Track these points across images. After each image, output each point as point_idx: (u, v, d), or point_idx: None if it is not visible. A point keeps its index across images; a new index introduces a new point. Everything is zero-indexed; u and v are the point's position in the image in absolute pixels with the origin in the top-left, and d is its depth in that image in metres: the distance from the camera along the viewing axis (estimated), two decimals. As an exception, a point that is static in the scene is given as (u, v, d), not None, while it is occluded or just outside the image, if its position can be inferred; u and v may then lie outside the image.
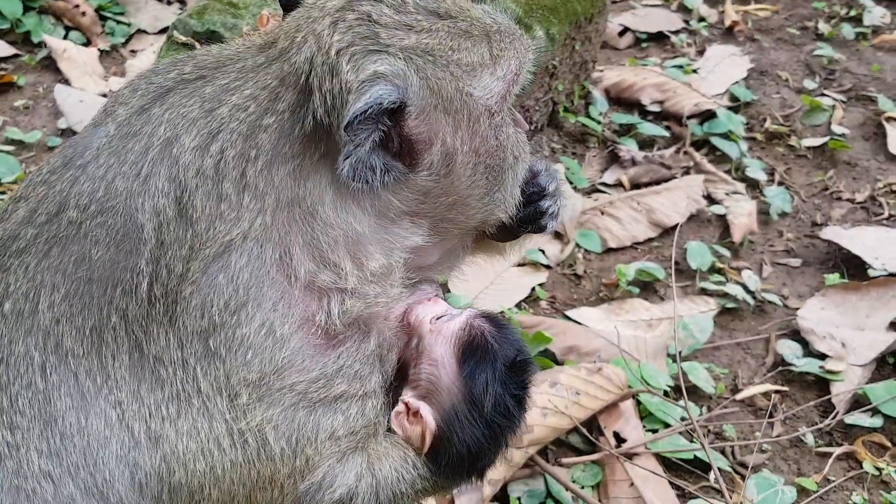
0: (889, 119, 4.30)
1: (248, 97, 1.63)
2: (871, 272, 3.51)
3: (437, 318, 1.83)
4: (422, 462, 1.78)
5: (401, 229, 1.71)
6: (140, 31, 5.09)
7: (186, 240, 1.57)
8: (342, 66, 1.54)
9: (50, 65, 4.74)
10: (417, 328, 1.82)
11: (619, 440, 2.99)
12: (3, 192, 3.89)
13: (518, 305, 3.52)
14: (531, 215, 2.00)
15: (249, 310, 1.58)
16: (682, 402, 2.98)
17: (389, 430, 1.80)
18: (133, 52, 4.97)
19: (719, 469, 2.87)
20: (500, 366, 1.79)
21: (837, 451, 2.93)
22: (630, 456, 2.90)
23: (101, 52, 4.90)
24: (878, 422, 2.99)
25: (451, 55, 1.64)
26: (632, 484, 2.88)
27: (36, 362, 1.60)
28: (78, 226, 1.61)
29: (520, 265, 3.70)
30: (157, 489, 1.60)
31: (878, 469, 2.87)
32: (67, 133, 4.31)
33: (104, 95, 4.52)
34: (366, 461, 1.73)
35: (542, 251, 3.72)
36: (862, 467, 2.88)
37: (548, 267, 3.69)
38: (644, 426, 3.04)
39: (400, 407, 1.79)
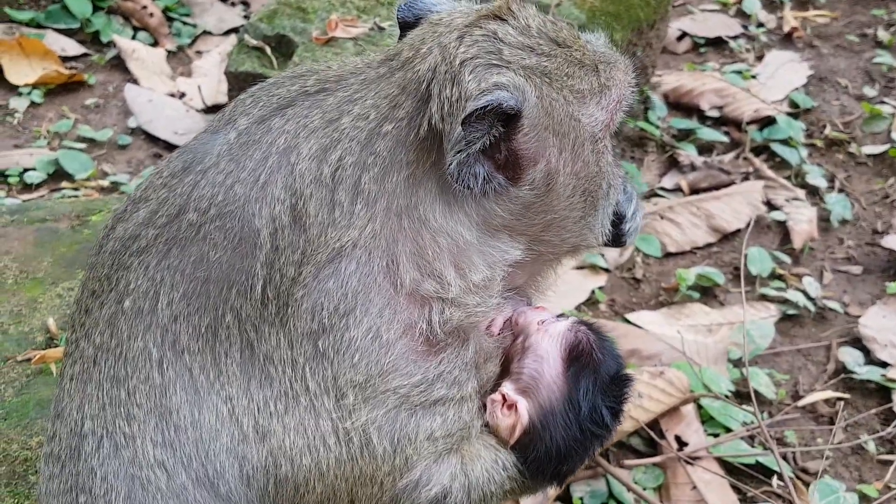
0: (951, 128, 4.29)
1: (370, 106, 1.71)
2: (933, 281, 3.52)
3: (544, 321, 1.90)
4: (511, 464, 1.85)
5: (501, 243, 1.77)
6: (206, 33, 5.21)
7: (299, 245, 1.65)
8: (464, 76, 1.61)
9: (119, 64, 4.87)
10: (525, 327, 1.89)
11: (681, 444, 3.03)
12: (76, 189, 4.02)
13: (577, 308, 3.57)
14: (613, 236, 2.07)
15: (357, 315, 1.65)
16: (745, 407, 3.02)
17: (483, 431, 1.87)
18: (199, 52, 5.08)
19: (781, 475, 2.91)
20: (602, 375, 1.86)
21: (900, 459, 2.96)
22: (692, 459, 2.95)
23: (168, 52, 5.02)
24: (941, 431, 3.01)
25: (566, 80, 1.73)
26: (694, 487, 2.92)
27: (154, 357, 1.69)
28: (197, 228, 1.70)
29: (579, 268, 3.75)
30: (263, 482, 1.68)
31: (941, 478, 2.89)
32: (137, 132, 4.44)
33: (172, 95, 4.64)
34: (460, 462, 1.80)
35: (602, 255, 3.77)
36: (924, 476, 2.91)
37: (607, 270, 3.74)
38: (705, 430, 3.08)
39: (497, 396, 1.85)
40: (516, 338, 1.90)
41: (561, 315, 1.96)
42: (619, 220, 2.08)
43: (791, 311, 3.50)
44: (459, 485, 1.79)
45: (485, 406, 1.86)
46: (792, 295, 3.53)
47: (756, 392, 3.18)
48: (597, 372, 1.86)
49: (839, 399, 3.17)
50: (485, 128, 1.60)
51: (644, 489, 2.89)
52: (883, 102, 4.56)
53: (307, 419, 1.67)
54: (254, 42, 3.87)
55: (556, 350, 1.86)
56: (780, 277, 3.68)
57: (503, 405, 1.84)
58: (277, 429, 1.66)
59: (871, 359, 3.29)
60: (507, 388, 1.85)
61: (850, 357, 3.29)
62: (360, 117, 1.70)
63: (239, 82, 3.87)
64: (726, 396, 3.13)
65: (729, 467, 2.97)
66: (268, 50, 3.84)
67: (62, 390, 1.81)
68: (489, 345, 1.86)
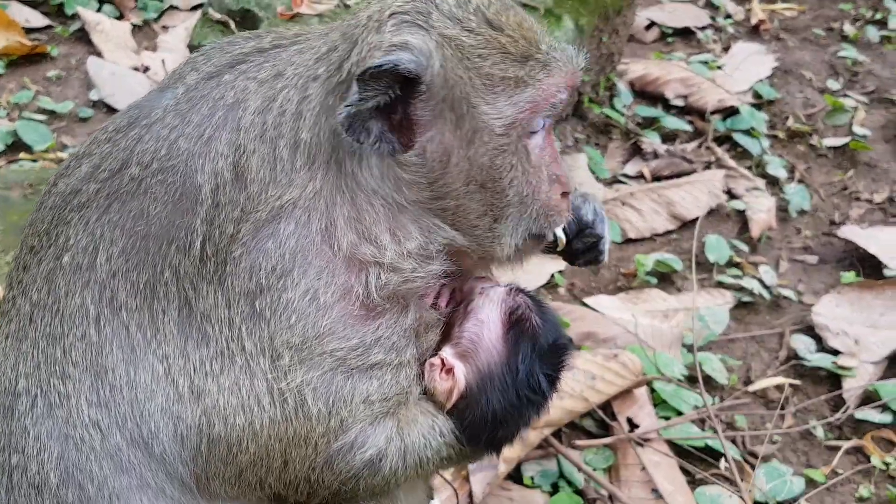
0: (910, 122, 4.34)
1: (313, 54, 1.71)
2: (886, 272, 3.56)
3: (485, 287, 1.90)
4: (448, 430, 1.85)
5: (432, 219, 1.76)
6: (172, 7, 5.14)
7: (240, 202, 1.65)
8: (385, 26, 1.63)
9: (83, 37, 4.81)
10: (468, 293, 1.89)
11: (633, 426, 3.05)
12: (34, 161, 3.97)
13: (536, 291, 3.58)
14: (585, 248, 2.09)
15: (295, 276, 1.65)
16: (696, 391, 3.04)
17: (421, 398, 1.87)
18: (165, 27, 5.03)
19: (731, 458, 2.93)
20: (541, 342, 1.88)
21: (846, 444, 2.99)
22: (642, 441, 2.97)
23: (134, 26, 4.96)
24: (887, 418, 3.04)
25: (478, 61, 1.67)
26: (643, 468, 2.94)
27: (91, 314, 1.68)
28: (139, 182, 1.69)
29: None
30: (196, 441, 1.68)
31: (886, 464, 2.93)
32: (99, 105, 4.39)
33: (136, 69, 4.59)
34: (396, 426, 1.80)
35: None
36: (870, 461, 2.94)
37: (567, 254, 3.74)
38: (657, 413, 3.10)
39: (436, 360, 1.86)
40: (459, 304, 1.90)
41: (508, 285, 1.97)
42: (584, 229, 2.05)
43: (746, 299, 3.53)
44: (395, 448, 1.79)
45: (423, 372, 1.86)
46: (748, 283, 3.56)
47: (709, 376, 3.21)
48: (535, 338, 1.87)
49: (790, 385, 3.20)
50: (382, 88, 1.59)
51: (594, 470, 2.91)
52: (846, 96, 4.60)
53: (242, 379, 1.66)
54: (218, 16, 3.84)
55: (497, 314, 1.86)
56: (737, 265, 3.70)
57: (441, 369, 1.84)
58: (212, 388, 1.66)
59: (822, 346, 3.32)
60: (447, 352, 1.86)
61: (802, 344, 3.32)
62: (301, 64, 1.70)
63: (202, 56, 3.84)
64: (679, 380, 3.15)
65: (679, 450, 2.99)
66: (232, 24, 3.82)
67: None
68: (431, 315, 1.86)
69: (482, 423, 1.85)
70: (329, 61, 1.69)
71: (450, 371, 1.84)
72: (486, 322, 1.86)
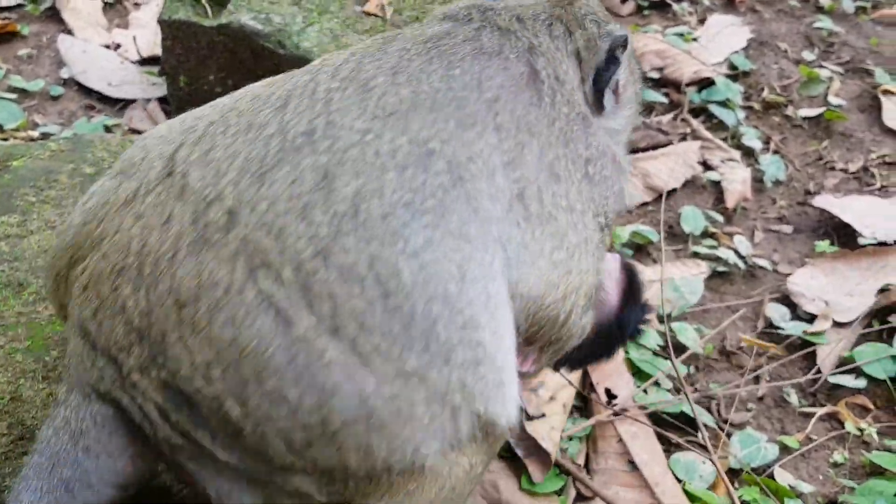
0: (885, 92, 4.34)
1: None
2: (861, 241, 3.57)
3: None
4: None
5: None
6: (144, -16, 5.09)
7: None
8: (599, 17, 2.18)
9: (54, 15, 4.76)
10: None
11: (611, 396, 3.06)
12: (5, 139, 3.93)
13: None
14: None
15: (608, 161, 2.06)
16: (673, 360, 3.05)
17: None
18: (137, 4, 4.98)
19: (705, 425, 2.95)
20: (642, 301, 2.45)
21: (820, 411, 3.01)
22: (620, 412, 2.97)
23: (106, 4, 4.91)
24: (861, 383, 3.06)
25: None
26: (620, 440, 2.95)
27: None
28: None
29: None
30: (526, 296, 1.86)
31: (860, 430, 2.95)
32: (70, 83, 4.35)
33: (107, 47, 4.55)
34: None
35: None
36: (844, 427, 2.96)
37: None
38: (635, 383, 3.11)
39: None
40: None
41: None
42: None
43: (721, 269, 3.54)
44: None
45: None
46: (723, 253, 3.57)
47: (684, 346, 3.22)
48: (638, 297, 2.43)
49: (764, 353, 3.21)
50: (616, 60, 2.06)
51: (570, 439, 2.92)
52: (821, 66, 4.61)
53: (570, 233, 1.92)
54: (187, -10, 3.79)
55: (616, 268, 2.39)
56: (712, 236, 3.71)
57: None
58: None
59: (798, 315, 3.34)
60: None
61: (777, 313, 3.34)
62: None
63: (172, 31, 3.80)
64: (654, 351, 3.16)
65: (656, 418, 3.01)
66: (202, -2, 3.77)
67: None
68: None
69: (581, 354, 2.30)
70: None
71: None
72: (609, 273, 2.32)
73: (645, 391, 3.06)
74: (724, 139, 4.18)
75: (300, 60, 3.54)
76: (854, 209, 3.71)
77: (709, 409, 3.05)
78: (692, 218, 3.73)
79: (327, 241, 1.52)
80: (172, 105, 4.06)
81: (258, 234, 1.51)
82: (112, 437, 1.57)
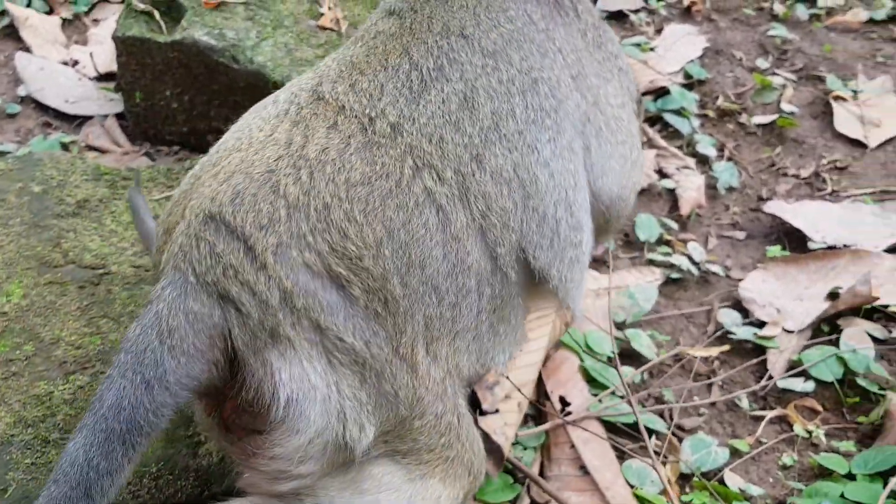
0: (836, 98, 4.41)
1: None
2: (811, 245, 3.63)
3: None
4: None
5: None
6: (103, 0, 5.10)
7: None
8: None
9: (12, 33, 4.75)
10: None
11: (565, 403, 3.08)
12: (-39, 158, 3.92)
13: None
14: None
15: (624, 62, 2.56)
16: (626, 368, 3.08)
17: None
18: (96, 21, 4.98)
19: (658, 432, 2.98)
20: None
21: (770, 414, 3.04)
22: (574, 421, 3.00)
23: (64, 20, 4.91)
24: (809, 386, 3.10)
25: None
26: (572, 446, 2.98)
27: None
28: None
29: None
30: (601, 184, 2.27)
31: (808, 432, 2.99)
32: (27, 100, 4.34)
33: (65, 63, 4.54)
34: None
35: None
36: (793, 430, 3.00)
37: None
38: (589, 391, 3.14)
39: None
40: None
41: None
42: None
43: (675, 276, 3.58)
44: None
45: None
46: (677, 259, 3.61)
47: (638, 353, 3.25)
48: None
49: (716, 358, 3.25)
50: None
51: (525, 448, 2.94)
52: (775, 74, 4.67)
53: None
54: (142, 6, 3.80)
55: None
56: (667, 243, 3.75)
57: None
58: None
59: (749, 320, 3.38)
60: None
61: (729, 318, 3.38)
62: None
63: (127, 48, 3.81)
64: (609, 358, 3.19)
65: (610, 425, 3.03)
66: (156, 14, 3.78)
67: None
68: None
69: None
70: None
71: None
72: None
73: (600, 400, 3.08)
74: (680, 147, 4.23)
75: (254, 75, 3.56)
76: (805, 214, 3.76)
77: (661, 415, 3.08)
78: (647, 225, 3.78)
79: (480, 148, 1.83)
80: (130, 121, 4.07)
81: (421, 141, 1.78)
82: (198, 337, 1.61)
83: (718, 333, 3.35)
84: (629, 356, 3.23)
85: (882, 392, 3.05)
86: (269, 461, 1.69)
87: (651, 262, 3.66)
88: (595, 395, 3.12)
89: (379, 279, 1.64)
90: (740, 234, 3.82)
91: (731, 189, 4.04)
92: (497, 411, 2.92)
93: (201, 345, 1.61)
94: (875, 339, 3.23)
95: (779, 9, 5.15)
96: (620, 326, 3.33)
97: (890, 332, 3.29)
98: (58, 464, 1.52)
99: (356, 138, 1.74)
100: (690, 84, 4.59)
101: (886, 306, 3.32)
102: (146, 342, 1.58)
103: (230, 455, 1.84)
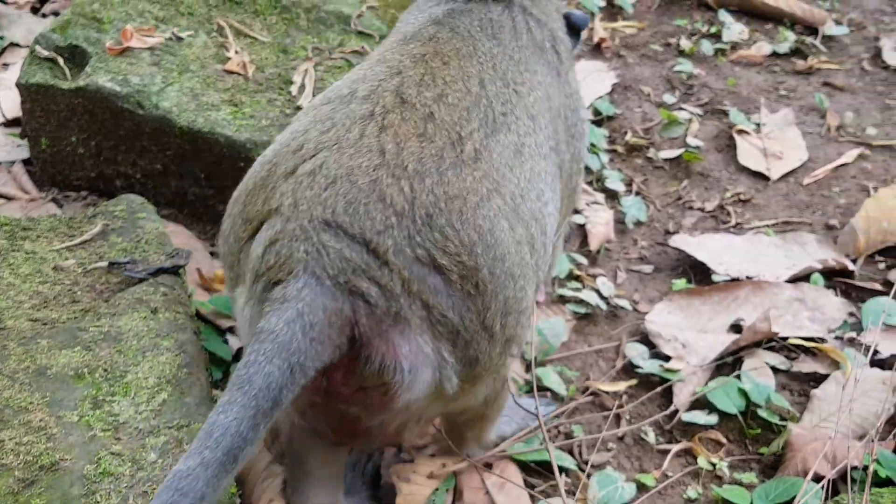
0: (739, 132, 4.54)
1: None
2: (714, 277, 3.72)
3: None
4: None
5: None
6: (13, 45, 5.02)
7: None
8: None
9: (-83, 78, 4.64)
10: None
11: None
12: None
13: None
14: None
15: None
16: (540, 404, 3.11)
17: None
18: (6, 65, 4.90)
19: (567, 469, 3.01)
20: None
21: (676, 447, 3.10)
22: (487, 464, 3.01)
23: (-29, 64, 4.82)
24: (713, 419, 3.17)
25: None
26: (487, 492, 2.98)
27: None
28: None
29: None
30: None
31: (713, 464, 3.05)
32: (-68, 146, 4.24)
33: (-30, 109, 4.45)
34: None
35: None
36: (697, 462, 3.06)
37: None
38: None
39: None
40: None
41: None
42: None
43: (584, 311, 3.63)
44: None
45: None
46: (586, 295, 3.67)
47: (549, 389, 3.29)
48: None
49: (624, 393, 3.31)
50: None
51: (436, 490, 2.94)
52: (681, 108, 4.79)
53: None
54: (45, 53, 3.76)
55: None
56: (577, 279, 3.81)
57: None
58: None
59: (656, 353, 3.45)
60: None
61: (636, 352, 3.44)
62: None
63: (31, 94, 3.76)
64: (519, 395, 3.22)
65: (523, 464, 3.05)
66: (60, 61, 3.75)
67: None
68: None
69: None
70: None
71: None
72: None
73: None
74: (590, 183, 4.31)
75: (160, 120, 3.54)
76: (709, 247, 3.85)
77: (571, 452, 3.11)
78: (558, 262, 3.82)
79: (523, 189, 2.29)
80: (36, 167, 4.01)
81: (492, 172, 2.18)
82: (333, 328, 1.93)
83: (626, 367, 3.41)
84: (543, 391, 3.27)
85: (783, 423, 3.13)
86: (387, 410, 2.16)
87: (561, 298, 3.71)
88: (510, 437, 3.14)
89: (472, 269, 2.03)
90: (648, 268, 3.90)
91: (638, 223, 4.12)
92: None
93: (334, 334, 1.94)
94: (776, 370, 3.32)
95: (685, 44, 5.29)
96: (529, 366, 3.36)
97: (791, 361, 3.39)
98: (206, 433, 1.75)
99: (448, 153, 2.10)
100: (600, 120, 4.68)
101: (786, 338, 3.42)
102: (290, 334, 1.87)
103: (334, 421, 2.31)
